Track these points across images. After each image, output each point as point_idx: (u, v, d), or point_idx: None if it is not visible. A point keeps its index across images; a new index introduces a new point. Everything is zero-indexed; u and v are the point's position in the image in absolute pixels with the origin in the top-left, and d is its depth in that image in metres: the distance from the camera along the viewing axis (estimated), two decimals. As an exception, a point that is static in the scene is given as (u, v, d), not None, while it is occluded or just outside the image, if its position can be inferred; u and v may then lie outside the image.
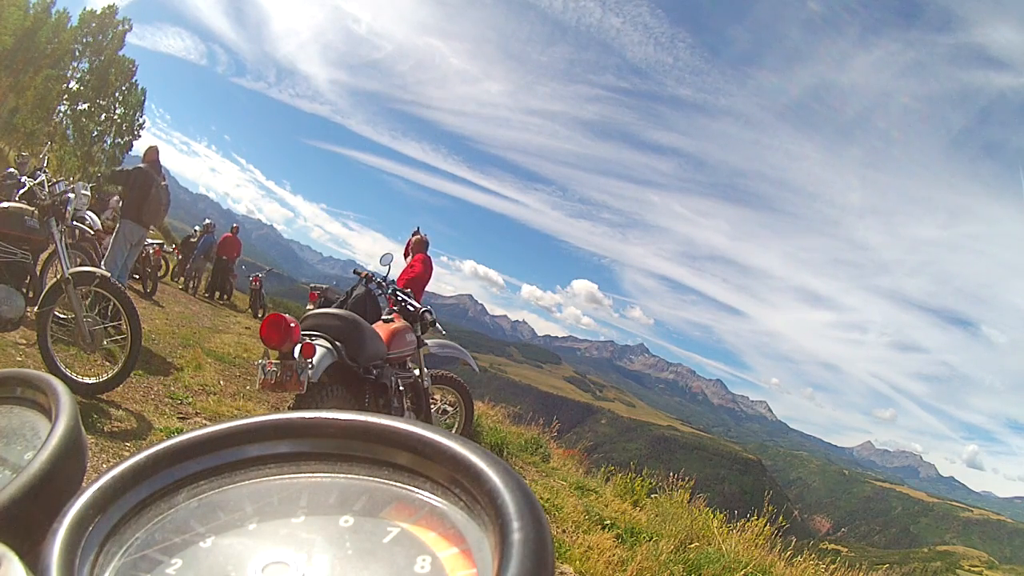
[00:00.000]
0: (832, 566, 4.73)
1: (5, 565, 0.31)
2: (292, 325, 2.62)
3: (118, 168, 6.25)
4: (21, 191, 4.13)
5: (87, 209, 5.40)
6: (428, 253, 6.16)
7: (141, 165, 6.30)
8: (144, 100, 32.46)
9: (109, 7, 31.69)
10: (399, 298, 3.68)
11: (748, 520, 4.82)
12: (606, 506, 4.85)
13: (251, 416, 0.42)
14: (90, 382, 3.45)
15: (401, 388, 3.39)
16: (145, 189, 6.05)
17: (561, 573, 3.05)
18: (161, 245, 10.01)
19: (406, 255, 6.19)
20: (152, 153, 6.47)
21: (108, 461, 2.69)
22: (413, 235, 6.22)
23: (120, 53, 31.58)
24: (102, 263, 5.83)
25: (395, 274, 5.84)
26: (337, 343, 2.90)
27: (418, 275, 5.90)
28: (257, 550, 0.35)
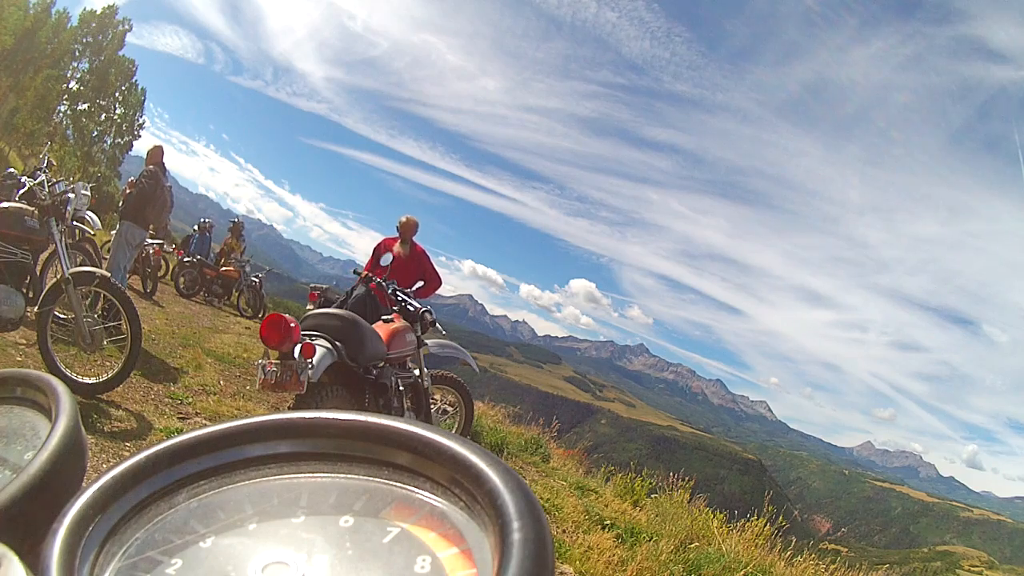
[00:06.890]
0: (832, 566, 4.73)
1: (5, 565, 0.31)
2: (292, 325, 2.62)
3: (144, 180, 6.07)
4: (21, 191, 4.13)
5: (87, 209, 5.38)
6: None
7: (150, 167, 6.14)
8: (144, 100, 32.54)
9: (109, 7, 31.75)
10: (399, 298, 3.68)
11: (748, 520, 4.82)
12: (606, 506, 4.85)
13: (251, 416, 0.42)
14: (90, 382, 3.45)
15: (401, 388, 3.39)
16: (150, 191, 5.97)
17: (561, 573, 3.05)
18: (161, 245, 10.00)
19: (402, 241, 5.33)
20: (157, 154, 6.21)
21: (108, 461, 2.69)
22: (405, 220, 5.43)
23: (120, 53, 31.64)
24: (105, 266, 5.81)
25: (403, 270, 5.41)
26: (337, 343, 2.90)
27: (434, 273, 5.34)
28: (257, 550, 0.35)
